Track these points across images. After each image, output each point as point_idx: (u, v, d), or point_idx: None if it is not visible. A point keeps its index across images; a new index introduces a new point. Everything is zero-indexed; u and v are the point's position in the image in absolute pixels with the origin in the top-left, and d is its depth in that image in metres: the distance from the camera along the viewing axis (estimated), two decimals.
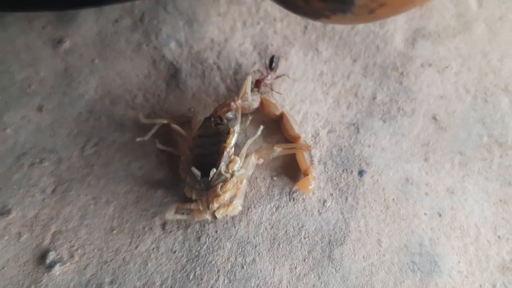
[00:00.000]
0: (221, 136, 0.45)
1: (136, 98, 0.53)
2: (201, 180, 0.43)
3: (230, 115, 0.47)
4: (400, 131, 0.49)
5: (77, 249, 0.43)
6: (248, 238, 0.43)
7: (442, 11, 0.58)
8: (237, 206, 0.44)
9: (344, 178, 0.47)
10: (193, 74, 0.54)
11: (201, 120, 0.48)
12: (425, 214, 0.44)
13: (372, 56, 0.55)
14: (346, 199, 0.45)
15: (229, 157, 0.44)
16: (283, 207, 0.45)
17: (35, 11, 0.56)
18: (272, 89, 0.51)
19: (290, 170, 0.47)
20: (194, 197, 0.43)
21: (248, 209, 0.45)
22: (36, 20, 0.59)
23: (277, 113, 0.49)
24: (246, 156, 0.45)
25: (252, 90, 0.50)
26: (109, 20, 0.59)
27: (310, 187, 0.45)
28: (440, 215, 0.44)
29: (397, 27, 0.57)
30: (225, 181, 0.43)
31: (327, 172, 0.47)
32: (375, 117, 0.50)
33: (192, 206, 0.43)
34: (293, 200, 0.46)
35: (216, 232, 0.44)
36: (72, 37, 0.58)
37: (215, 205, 0.42)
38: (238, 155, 0.45)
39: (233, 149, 0.45)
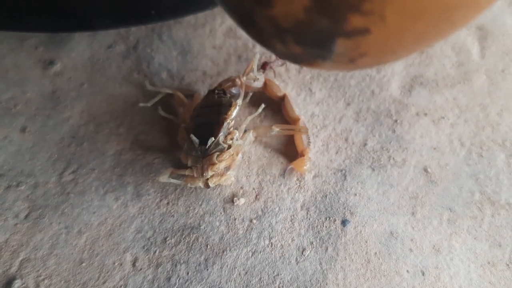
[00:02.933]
0: (223, 107, 0.49)
1: (121, 126, 0.55)
2: (198, 148, 0.47)
3: (233, 90, 0.53)
4: (388, 181, 0.50)
5: (43, 279, 0.44)
6: (220, 283, 0.44)
7: (442, 59, 0.60)
8: (230, 177, 0.47)
9: (326, 227, 0.48)
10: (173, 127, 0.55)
11: (204, 94, 0.53)
12: (407, 271, 0.45)
13: (366, 101, 0.57)
14: (326, 249, 0.46)
15: (228, 129, 0.48)
16: (260, 252, 0.46)
17: (27, 31, 0.59)
18: (275, 76, 0.56)
19: (273, 209, 0.48)
20: (189, 163, 0.47)
21: (223, 251, 0.46)
22: (28, 40, 0.62)
23: (280, 94, 0.54)
24: (244, 132, 0.50)
25: (258, 70, 0.55)
26: (102, 45, 0.62)
27: (304, 167, 0.50)
28: (423, 274, 0.45)
29: (394, 72, 0.59)
30: (221, 151, 0.47)
31: (309, 219, 0.48)
32: (364, 165, 0.52)
33: (187, 172, 0.47)
34: (285, 178, 0.50)
35: (188, 274, 0.45)
36: (63, 60, 0.61)
37: (210, 173, 0.46)
38: (237, 129, 0.49)
39: (233, 121, 0.49)
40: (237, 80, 0.53)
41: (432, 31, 0.30)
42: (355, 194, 0.50)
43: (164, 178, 0.47)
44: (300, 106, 0.56)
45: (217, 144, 0.47)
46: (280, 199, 0.49)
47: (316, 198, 0.49)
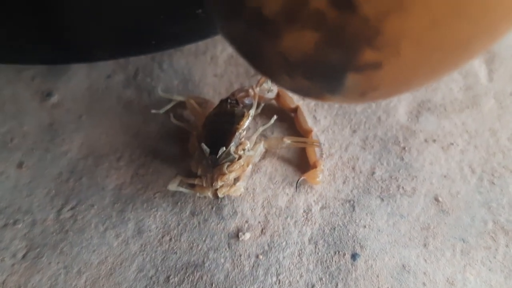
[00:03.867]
0: (235, 117, 0.50)
1: (121, 159, 0.55)
2: (209, 157, 0.48)
3: (246, 100, 0.54)
4: (398, 211, 0.50)
5: None
6: None
7: (449, 83, 0.61)
8: (239, 188, 0.48)
9: (335, 261, 0.47)
10: (185, 139, 0.55)
11: (217, 104, 0.54)
12: None
13: (372, 128, 0.57)
14: (336, 285, 0.46)
15: (240, 139, 0.49)
16: None
17: (24, 64, 0.60)
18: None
19: (278, 248, 0.48)
20: (199, 172, 0.48)
21: None
22: (25, 71, 0.62)
23: (292, 106, 0.56)
24: (255, 143, 0.51)
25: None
26: (101, 75, 0.62)
27: (317, 179, 0.50)
28: None
29: (401, 98, 0.59)
30: (232, 161, 0.47)
31: (318, 253, 0.48)
32: (373, 195, 0.51)
33: (196, 181, 0.48)
34: (298, 190, 0.51)
35: None
36: (61, 91, 0.61)
37: (219, 183, 0.47)
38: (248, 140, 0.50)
39: (245, 132, 0.50)
40: (250, 90, 0.54)
41: (449, 62, 0.30)
42: (365, 226, 0.49)
43: (173, 187, 0.49)
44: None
45: (228, 154, 0.48)
46: (287, 233, 0.49)
47: (324, 231, 0.49)
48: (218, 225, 0.50)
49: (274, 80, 0.35)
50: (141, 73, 0.62)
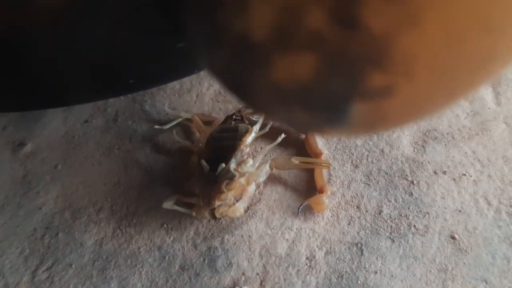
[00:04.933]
0: (238, 133, 0.50)
1: (101, 211, 0.52)
2: (208, 174, 0.47)
3: (253, 118, 0.54)
4: (412, 253, 0.48)
5: None
6: None
7: (455, 109, 0.59)
8: (239, 208, 0.47)
9: None
10: (171, 182, 0.53)
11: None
12: None
13: (376, 162, 0.55)
14: None
15: (242, 156, 0.49)
16: None
17: None
18: None
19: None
20: (197, 191, 0.48)
21: None
22: None
23: None
24: (261, 163, 0.51)
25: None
26: (78, 120, 0.61)
27: (323, 204, 0.49)
28: None
29: (404, 128, 0.57)
30: (232, 179, 0.46)
31: None
32: (382, 236, 0.49)
33: (193, 200, 0.48)
34: (300, 215, 0.50)
35: None
36: (35, 139, 0.59)
37: (216, 202, 0.45)
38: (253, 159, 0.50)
39: (248, 149, 0.50)
40: None
41: (468, 84, 0.27)
42: (376, 272, 0.46)
43: (168, 205, 0.48)
44: (303, 171, 0.54)
45: (228, 171, 0.47)
46: (289, 284, 0.46)
47: (331, 279, 0.46)
48: (212, 280, 0.47)
49: (268, 114, 0.33)
50: (122, 116, 0.60)
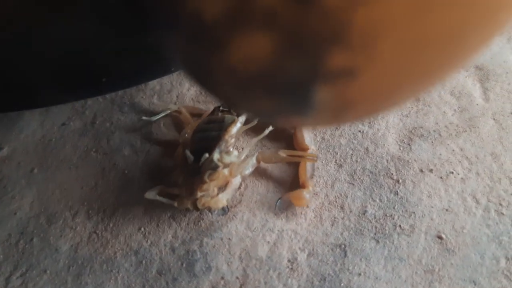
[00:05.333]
0: (225, 124, 0.50)
1: (77, 216, 0.51)
2: (191, 165, 0.47)
3: None
4: (397, 254, 0.47)
5: None
6: None
7: (442, 105, 0.58)
8: (221, 199, 0.47)
9: None
10: (147, 185, 0.52)
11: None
12: None
13: (360, 161, 0.54)
14: None
15: (227, 146, 0.49)
16: None
17: None
18: None
19: None
20: (180, 182, 0.47)
21: None
22: None
23: None
24: (248, 155, 0.51)
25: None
26: (55, 123, 0.60)
27: (304, 199, 0.48)
28: None
29: (389, 125, 0.57)
30: (215, 169, 0.46)
31: None
32: (366, 236, 0.48)
33: (175, 191, 0.47)
34: (278, 210, 0.49)
35: None
36: (12, 143, 0.58)
37: (199, 193, 0.45)
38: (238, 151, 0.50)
39: (233, 139, 0.50)
40: None
41: (440, 63, 0.25)
42: (359, 274, 0.45)
43: (151, 195, 0.48)
44: (285, 172, 0.53)
45: (211, 161, 0.46)
46: None
47: (313, 282, 0.45)
48: (190, 284, 0.45)
49: (231, 104, 0.32)
50: (100, 118, 0.60)
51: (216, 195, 0.47)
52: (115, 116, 0.60)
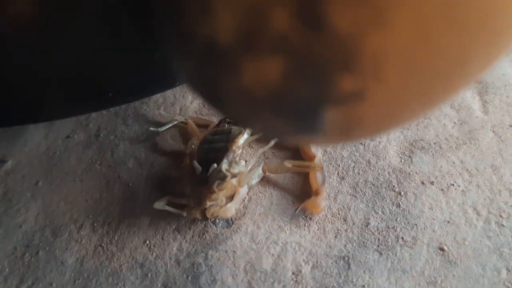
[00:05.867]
0: (231, 135, 0.51)
1: (82, 228, 0.52)
2: (199, 175, 0.48)
3: None
4: (400, 265, 0.47)
5: None
6: None
7: (442, 118, 0.59)
8: (230, 209, 0.48)
9: None
10: (152, 198, 0.53)
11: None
12: None
13: (362, 173, 0.55)
14: None
15: (234, 157, 0.50)
16: None
17: None
18: None
19: None
20: (188, 192, 0.48)
21: None
22: None
23: None
24: (254, 165, 0.52)
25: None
26: (59, 136, 0.60)
27: (319, 207, 0.50)
28: None
29: (390, 138, 0.57)
30: (223, 179, 0.47)
31: None
32: (369, 248, 0.48)
33: (184, 201, 0.48)
34: (296, 217, 0.50)
35: None
36: (16, 156, 0.59)
37: (207, 202, 0.46)
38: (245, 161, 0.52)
39: (240, 150, 0.51)
40: None
41: (443, 87, 0.26)
42: (363, 286, 0.46)
43: (160, 205, 0.48)
44: (288, 184, 0.54)
45: (219, 171, 0.47)
46: None
47: None
48: None
49: (242, 122, 0.33)
50: (104, 131, 0.60)
51: (224, 204, 0.48)
52: (119, 129, 0.60)
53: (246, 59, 0.24)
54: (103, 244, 0.50)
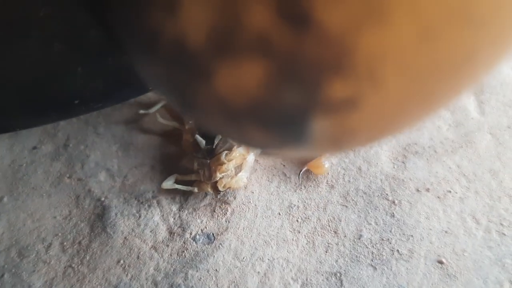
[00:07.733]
0: None
1: (50, 248, 0.50)
2: (204, 148, 0.48)
3: None
4: (396, 281, 0.46)
5: None
6: None
7: (436, 120, 0.58)
8: (242, 178, 0.48)
9: None
10: (126, 213, 0.51)
11: None
12: None
13: (353, 181, 0.53)
14: None
15: None
16: None
17: None
18: None
19: None
20: (195, 167, 0.48)
21: None
22: None
23: None
24: None
25: None
26: (25, 147, 0.58)
27: (323, 167, 0.51)
28: None
29: (382, 142, 0.56)
30: (230, 149, 0.47)
31: None
32: (363, 263, 0.47)
33: (193, 177, 0.48)
34: (300, 182, 0.51)
35: None
36: None
37: (218, 175, 0.47)
38: None
39: None
40: None
41: (445, 91, 0.24)
42: None
43: (168, 185, 0.49)
44: (273, 195, 0.52)
45: (225, 141, 0.47)
46: None
47: None
48: None
49: (219, 133, 0.30)
50: (73, 141, 0.58)
51: (235, 174, 0.48)
52: (90, 138, 0.58)
53: (220, 63, 0.22)
54: (73, 265, 0.48)
